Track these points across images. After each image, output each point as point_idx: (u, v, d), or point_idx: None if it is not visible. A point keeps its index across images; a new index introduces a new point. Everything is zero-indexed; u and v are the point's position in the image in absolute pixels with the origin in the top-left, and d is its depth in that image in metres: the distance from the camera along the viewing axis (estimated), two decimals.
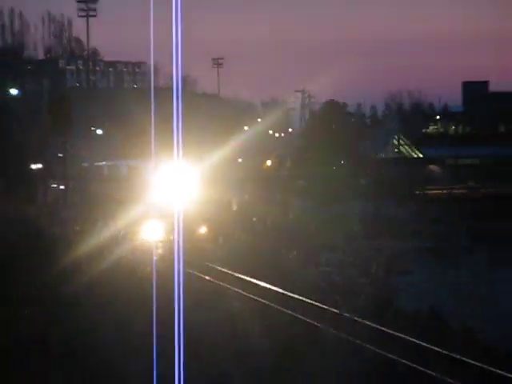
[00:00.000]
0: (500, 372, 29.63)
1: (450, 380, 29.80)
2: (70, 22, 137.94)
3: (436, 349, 33.13)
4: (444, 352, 32.57)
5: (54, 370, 27.26)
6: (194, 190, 48.45)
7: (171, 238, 37.31)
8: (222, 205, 64.56)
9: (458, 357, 31.88)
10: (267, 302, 41.87)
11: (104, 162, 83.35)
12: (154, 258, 37.11)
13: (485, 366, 29.78)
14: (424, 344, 34.15)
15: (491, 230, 79.02)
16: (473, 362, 31.07)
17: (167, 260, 35.12)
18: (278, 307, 41.21)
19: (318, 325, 36.68)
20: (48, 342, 30.93)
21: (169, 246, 42.51)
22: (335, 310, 38.85)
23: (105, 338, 30.04)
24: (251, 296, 44.56)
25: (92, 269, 38.38)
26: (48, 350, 29.66)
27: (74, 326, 31.50)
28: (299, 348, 31.74)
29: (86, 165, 71.68)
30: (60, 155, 59.89)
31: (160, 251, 44.79)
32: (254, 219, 63.43)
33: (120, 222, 46.38)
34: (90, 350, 29.36)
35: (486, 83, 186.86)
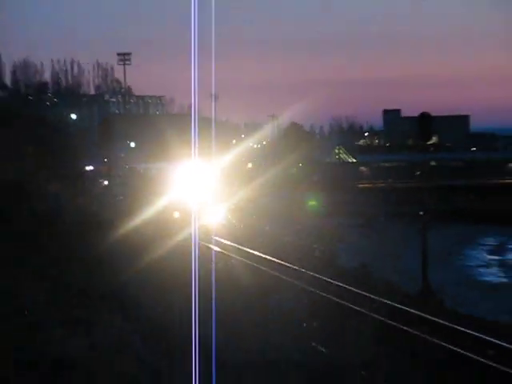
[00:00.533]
0: (390, 302, 30.00)
1: (363, 310, 29.39)
2: (112, 68, 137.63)
3: (357, 290, 33.24)
4: (363, 293, 32.54)
5: None
6: (209, 186, 47.00)
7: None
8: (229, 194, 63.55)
9: (371, 295, 31.71)
10: (247, 261, 40.36)
11: (140, 165, 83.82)
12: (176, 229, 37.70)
13: (386, 301, 29.97)
14: (349, 287, 34.15)
15: (403, 212, 79.14)
16: (383, 299, 30.86)
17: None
18: (252, 263, 40.41)
19: (278, 274, 36.31)
20: None
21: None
22: (291, 265, 38.79)
23: None
24: (237, 257, 44.95)
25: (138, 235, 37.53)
26: None
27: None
28: (264, 290, 31.39)
29: (126, 167, 71.87)
30: (105, 160, 61.55)
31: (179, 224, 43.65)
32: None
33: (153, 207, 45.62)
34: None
35: (399, 111, 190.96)
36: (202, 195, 42.15)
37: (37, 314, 20.88)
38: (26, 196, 29.23)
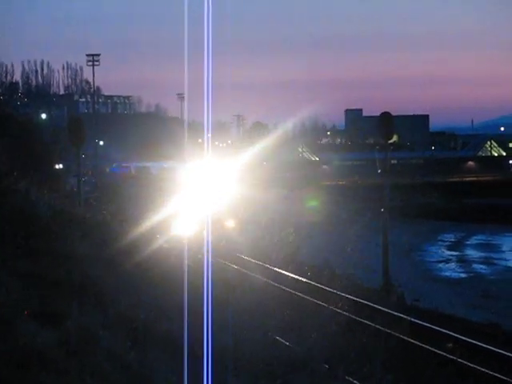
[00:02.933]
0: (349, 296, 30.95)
1: (324, 304, 30.00)
2: (81, 69, 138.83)
3: (317, 284, 34.51)
4: (323, 286, 33.62)
5: None
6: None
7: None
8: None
9: (333, 290, 32.79)
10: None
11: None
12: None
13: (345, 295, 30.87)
14: (310, 281, 35.48)
15: (365, 207, 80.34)
16: (342, 293, 31.78)
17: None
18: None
19: (246, 271, 36.62)
20: None
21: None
22: (258, 262, 39.33)
23: None
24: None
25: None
26: None
27: None
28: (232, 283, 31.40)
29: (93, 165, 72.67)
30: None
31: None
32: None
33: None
34: None
35: (360, 110, 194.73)
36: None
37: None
38: None
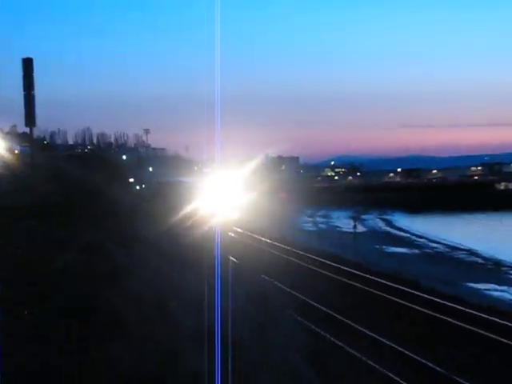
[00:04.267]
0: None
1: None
2: (141, 136, 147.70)
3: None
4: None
5: None
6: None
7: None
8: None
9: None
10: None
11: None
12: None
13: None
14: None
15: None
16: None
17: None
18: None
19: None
20: None
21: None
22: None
23: None
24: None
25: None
26: None
27: None
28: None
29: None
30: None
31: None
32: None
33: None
34: None
35: (297, 158, 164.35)
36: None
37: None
38: (102, 194, 29.57)
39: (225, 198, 39.27)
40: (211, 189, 39.87)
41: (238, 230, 48.92)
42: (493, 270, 44.27)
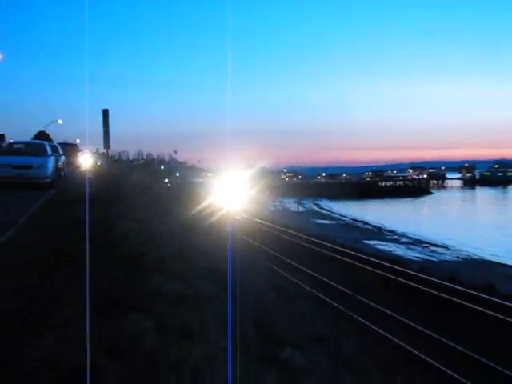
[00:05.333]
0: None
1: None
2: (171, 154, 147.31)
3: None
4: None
5: None
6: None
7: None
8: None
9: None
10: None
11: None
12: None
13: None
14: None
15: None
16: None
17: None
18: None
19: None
20: None
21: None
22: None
23: None
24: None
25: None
26: None
27: None
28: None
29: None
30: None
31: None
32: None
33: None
34: None
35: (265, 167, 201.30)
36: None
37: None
38: (149, 189, 28.20)
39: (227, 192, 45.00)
40: (215, 186, 43.06)
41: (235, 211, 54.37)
42: (377, 233, 56.08)
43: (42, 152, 21.37)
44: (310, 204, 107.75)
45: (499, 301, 19.40)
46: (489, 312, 18.15)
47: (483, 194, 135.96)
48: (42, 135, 31.67)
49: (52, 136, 34.29)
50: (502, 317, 17.42)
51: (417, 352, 14.28)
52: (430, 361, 13.79)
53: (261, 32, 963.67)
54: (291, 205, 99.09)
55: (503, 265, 35.03)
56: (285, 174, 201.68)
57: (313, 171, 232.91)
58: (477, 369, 13.60)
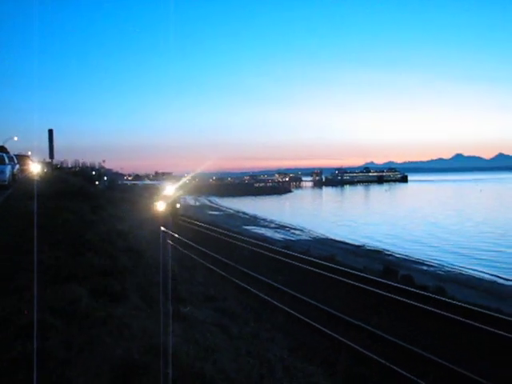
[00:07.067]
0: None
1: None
2: None
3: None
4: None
5: None
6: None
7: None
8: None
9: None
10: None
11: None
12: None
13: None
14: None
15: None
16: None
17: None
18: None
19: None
20: None
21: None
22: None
23: None
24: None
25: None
26: None
27: None
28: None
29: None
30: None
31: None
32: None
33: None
34: None
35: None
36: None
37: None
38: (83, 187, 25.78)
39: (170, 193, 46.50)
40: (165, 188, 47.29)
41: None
42: (253, 220, 58.69)
43: (1, 161, 21.83)
44: (203, 200, 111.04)
45: (334, 266, 21.91)
46: (325, 273, 20.37)
47: (327, 191, 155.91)
48: (1, 149, 32.22)
49: (9, 149, 35.88)
50: (330, 274, 20.09)
51: (276, 302, 15.25)
52: (279, 305, 14.97)
53: None
54: (190, 200, 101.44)
55: (341, 242, 38.88)
56: (185, 177, 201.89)
57: (206, 175, 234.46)
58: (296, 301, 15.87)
